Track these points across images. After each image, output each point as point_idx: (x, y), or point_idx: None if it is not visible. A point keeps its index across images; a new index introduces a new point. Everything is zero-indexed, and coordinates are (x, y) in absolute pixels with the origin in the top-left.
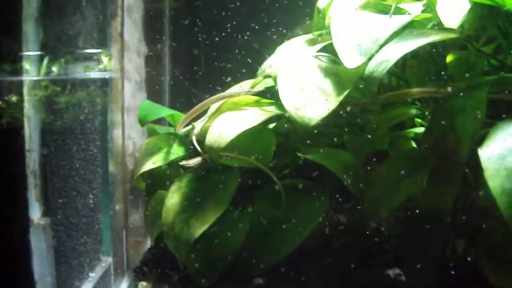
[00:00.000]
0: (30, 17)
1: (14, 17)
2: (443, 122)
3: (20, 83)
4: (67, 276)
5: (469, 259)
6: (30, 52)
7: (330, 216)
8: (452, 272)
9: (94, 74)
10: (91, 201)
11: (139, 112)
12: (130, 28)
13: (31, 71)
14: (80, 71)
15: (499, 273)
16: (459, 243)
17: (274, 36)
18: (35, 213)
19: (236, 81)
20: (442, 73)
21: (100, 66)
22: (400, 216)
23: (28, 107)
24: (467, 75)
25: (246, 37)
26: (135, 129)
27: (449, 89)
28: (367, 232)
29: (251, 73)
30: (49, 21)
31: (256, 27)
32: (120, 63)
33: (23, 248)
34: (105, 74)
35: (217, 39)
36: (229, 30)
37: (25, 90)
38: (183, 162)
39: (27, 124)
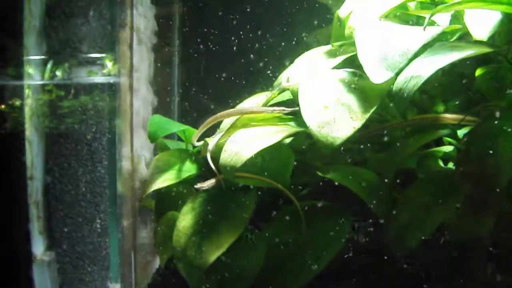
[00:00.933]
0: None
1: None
2: (481, 146)
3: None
4: None
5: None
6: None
7: (351, 237)
8: None
9: (98, 79)
10: (98, 226)
11: (148, 128)
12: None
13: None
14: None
15: None
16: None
17: (289, 41)
18: (38, 247)
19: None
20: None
21: (105, 70)
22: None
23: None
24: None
25: (259, 44)
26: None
27: (497, 114)
28: (389, 256)
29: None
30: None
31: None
32: (129, 73)
33: (25, 287)
34: (110, 79)
35: (228, 45)
36: (241, 36)
37: (29, 94)
38: (198, 186)
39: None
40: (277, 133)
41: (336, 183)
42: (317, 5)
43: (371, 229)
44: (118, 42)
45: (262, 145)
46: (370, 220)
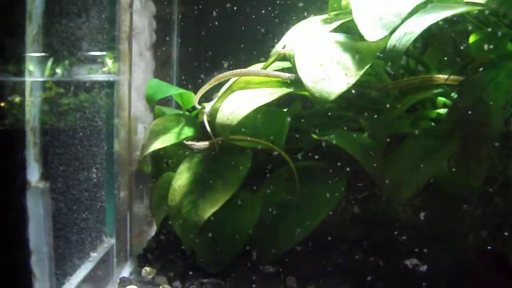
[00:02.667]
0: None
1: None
2: (471, 95)
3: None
4: (65, 251)
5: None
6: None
7: (344, 206)
8: (476, 260)
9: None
10: (94, 176)
11: (146, 90)
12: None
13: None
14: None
15: None
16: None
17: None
18: (33, 174)
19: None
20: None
21: (105, 69)
22: (417, 205)
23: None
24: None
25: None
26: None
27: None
28: (383, 223)
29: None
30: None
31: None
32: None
33: (18, 213)
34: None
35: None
36: (239, 26)
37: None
38: (189, 143)
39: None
40: (272, 94)
41: (331, 148)
42: None
43: (364, 198)
44: (118, 40)
45: (257, 103)
46: (365, 189)
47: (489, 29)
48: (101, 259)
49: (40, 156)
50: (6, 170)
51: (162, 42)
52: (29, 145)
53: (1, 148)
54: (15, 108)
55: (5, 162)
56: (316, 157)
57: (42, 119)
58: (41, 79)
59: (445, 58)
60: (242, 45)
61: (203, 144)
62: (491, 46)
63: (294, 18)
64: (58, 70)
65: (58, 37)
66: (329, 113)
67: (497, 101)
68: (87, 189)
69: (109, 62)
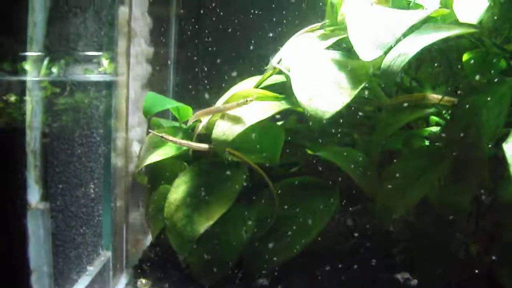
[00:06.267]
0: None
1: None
2: (463, 117)
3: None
4: (64, 267)
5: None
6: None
7: (338, 219)
8: (466, 276)
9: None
10: (92, 191)
11: (144, 103)
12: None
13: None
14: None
15: None
16: (474, 246)
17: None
18: (34, 196)
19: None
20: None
21: (101, 69)
22: (409, 220)
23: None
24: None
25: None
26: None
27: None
28: (376, 236)
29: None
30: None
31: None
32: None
33: (19, 233)
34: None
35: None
36: (237, 33)
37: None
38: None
39: (29, 100)
40: (269, 110)
41: (324, 163)
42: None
43: (357, 211)
44: (115, 41)
45: (254, 120)
46: (358, 203)
47: (483, 49)
48: (98, 273)
49: (40, 178)
50: (7, 191)
51: (159, 45)
52: (29, 167)
53: (2, 170)
54: (16, 130)
55: (6, 183)
56: (311, 171)
57: (42, 140)
58: (40, 78)
59: (439, 76)
60: (240, 51)
61: (200, 146)
62: (484, 66)
63: (296, 22)
64: (55, 70)
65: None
66: (324, 129)
67: (489, 124)
68: (85, 204)
69: (106, 66)
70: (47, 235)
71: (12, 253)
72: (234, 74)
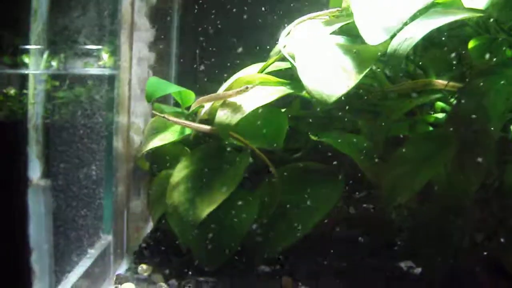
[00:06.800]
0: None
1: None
2: (471, 102)
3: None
4: (64, 248)
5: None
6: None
7: (341, 206)
8: (471, 264)
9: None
10: (93, 173)
11: (146, 88)
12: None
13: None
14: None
15: None
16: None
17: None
18: (35, 172)
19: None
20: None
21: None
22: (413, 207)
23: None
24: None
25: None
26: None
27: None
28: (379, 224)
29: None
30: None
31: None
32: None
33: (19, 210)
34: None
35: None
36: (240, 18)
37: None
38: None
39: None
40: (272, 94)
41: (328, 148)
42: None
43: (360, 198)
44: (118, 34)
45: (258, 103)
46: (361, 190)
47: (489, 35)
48: (98, 256)
49: (42, 153)
50: (8, 167)
51: (161, 38)
52: (31, 142)
53: (3, 145)
54: (17, 104)
55: (7, 159)
56: (314, 157)
57: (44, 116)
58: (40, 72)
59: (444, 62)
60: (242, 41)
61: (204, 127)
62: (490, 53)
63: (300, 10)
64: (55, 63)
65: (62, 32)
66: (328, 115)
67: (497, 108)
68: (86, 186)
69: (110, 56)
70: (48, 213)
71: (12, 230)
72: (237, 62)
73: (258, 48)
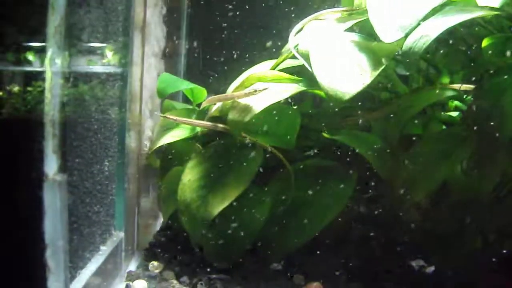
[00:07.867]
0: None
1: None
2: (487, 100)
3: None
4: (78, 245)
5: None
6: None
7: (352, 205)
8: (483, 263)
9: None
10: (106, 169)
11: (157, 84)
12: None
13: None
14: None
15: None
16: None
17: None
18: (51, 167)
19: None
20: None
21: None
22: (425, 207)
23: None
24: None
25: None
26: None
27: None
28: (389, 223)
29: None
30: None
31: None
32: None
33: (35, 205)
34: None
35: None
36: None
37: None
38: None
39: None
40: (285, 92)
41: (340, 147)
42: None
43: (370, 198)
44: (131, 33)
45: (271, 101)
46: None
47: (503, 34)
48: (110, 253)
49: (59, 148)
50: (24, 162)
51: (171, 35)
52: (48, 136)
53: (19, 139)
54: (36, 98)
55: (23, 153)
56: (327, 155)
57: (60, 111)
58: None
59: (457, 61)
60: (252, 39)
61: (213, 125)
62: (505, 51)
63: (311, 8)
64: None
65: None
66: (340, 112)
67: None
68: (99, 182)
69: (118, 54)
70: (63, 208)
71: (27, 225)
72: (247, 60)
73: (269, 45)
